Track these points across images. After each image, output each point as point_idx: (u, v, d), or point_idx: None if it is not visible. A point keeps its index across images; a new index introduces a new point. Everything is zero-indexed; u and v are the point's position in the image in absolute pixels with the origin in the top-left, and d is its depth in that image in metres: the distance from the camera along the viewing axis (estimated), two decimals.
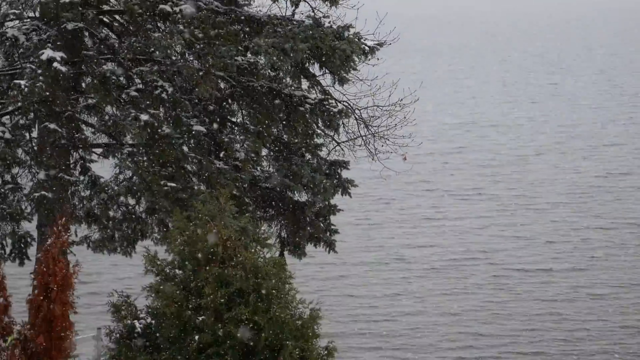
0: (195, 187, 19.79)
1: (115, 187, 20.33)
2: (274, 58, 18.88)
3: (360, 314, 49.32)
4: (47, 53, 18.82)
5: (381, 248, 59.00)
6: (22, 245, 20.94)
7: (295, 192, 21.17)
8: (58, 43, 19.43)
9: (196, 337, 15.40)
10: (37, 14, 20.48)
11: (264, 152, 21.52)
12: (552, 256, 56.94)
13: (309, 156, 21.65)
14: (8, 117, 20.97)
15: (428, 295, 51.78)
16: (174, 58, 19.67)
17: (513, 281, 52.95)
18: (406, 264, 56.75)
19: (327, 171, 21.44)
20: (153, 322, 16.02)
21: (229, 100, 21.25)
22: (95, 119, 21.19)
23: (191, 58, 20.00)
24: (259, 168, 21.43)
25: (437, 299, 51.18)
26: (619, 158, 77.88)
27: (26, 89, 18.61)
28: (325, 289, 50.93)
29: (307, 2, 20.38)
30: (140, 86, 19.76)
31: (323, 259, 53.12)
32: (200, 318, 15.49)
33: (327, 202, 21.49)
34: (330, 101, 21.07)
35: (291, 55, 18.93)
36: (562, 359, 44.82)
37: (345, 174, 22.02)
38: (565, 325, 47.38)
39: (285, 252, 21.96)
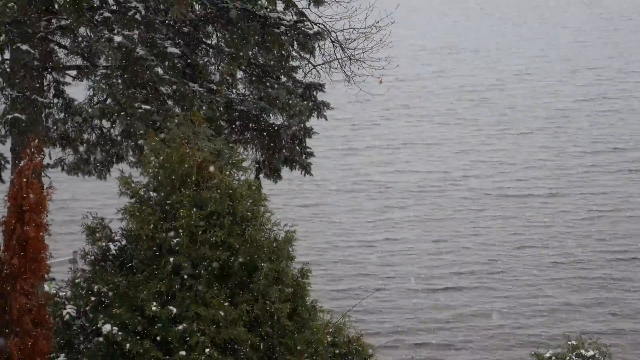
0: (170, 110, 19.70)
1: (90, 110, 20.18)
2: None
3: (336, 240, 49.55)
4: None
5: (358, 174, 59.14)
6: None
7: (271, 114, 21.10)
8: None
9: (171, 259, 15.44)
10: None
11: (239, 74, 21.41)
12: (531, 181, 57.22)
13: (285, 79, 21.55)
14: None
15: (406, 221, 52.07)
16: None
17: (492, 206, 53.29)
18: (384, 189, 56.92)
19: (303, 94, 21.38)
20: (128, 244, 16.04)
21: (204, 22, 21.04)
22: (69, 40, 20.97)
23: None
24: (234, 91, 21.32)
25: (416, 224, 51.46)
26: (597, 82, 77.71)
27: None
28: (303, 215, 51.08)
29: None
30: (114, 7, 19.55)
31: (301, 186, 53.27)
32: (175, 240, 15.51)
33: (302, 125, 21.46)
34: (305, 23, 20.91)
35: None
36: (538, 281, 45.26)
37: (320, 96, 21.97)
38: (543, 251, 47.80)
39: (261, 176, 21.99)
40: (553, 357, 20.24)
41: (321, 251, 46.70)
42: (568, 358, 20.11)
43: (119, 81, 19.59)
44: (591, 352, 20.04)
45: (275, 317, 15.45)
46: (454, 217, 52.23)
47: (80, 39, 20.23)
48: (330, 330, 18.16)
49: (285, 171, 22.68)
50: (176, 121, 16.72)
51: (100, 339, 15.30)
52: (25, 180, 14.61)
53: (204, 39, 21.30)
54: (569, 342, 20.41)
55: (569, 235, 49.26)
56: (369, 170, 59.52)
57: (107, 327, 15.18)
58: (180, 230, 15.50)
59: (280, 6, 20.89)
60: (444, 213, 52.82)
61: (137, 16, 19.16)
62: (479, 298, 42.86)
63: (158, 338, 15.10)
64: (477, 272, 45.56)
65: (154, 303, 15.13)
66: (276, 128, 21.33)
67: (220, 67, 20.36)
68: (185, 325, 15.05)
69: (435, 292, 43.39)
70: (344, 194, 55.91)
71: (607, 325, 39.42)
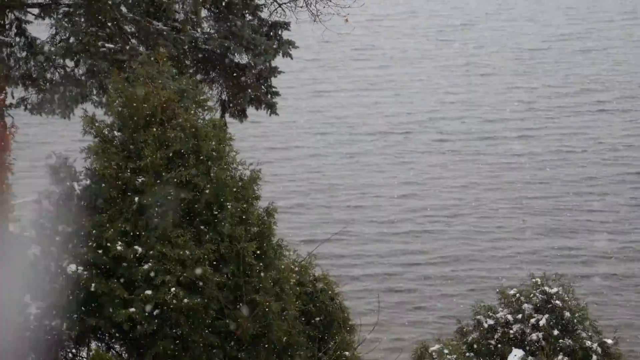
0: (134, 49, 19.49)
1: (52, 49, 19.93)
2: None
3: (302, 183, 49.56)
4: None
5: (324, 115, 59.02)
6: None
7: (236, 53, 20.94)
8: None
9: (136, 199, 15.38)
10: None
11: (204, 13, 21.18)
12: (500, 123, 57.33)
13: (250, 17, 21.36)
14: None
15: (374, 164, 52.12)
16: None
17: (460, 148, 53.44)
18: (349, 127, 56.86)
19: (268, 33, 21.21)
20: (92, 184, 15.94)
21: None
22: None
23: None
24: (198, 29, 21.11)
25: (383, 167, 51.54)
26: (567, 22, 77.54)
27: None
28: (270, 157, 50.99)
29: None
30: None
31: (267, 127, 53.04)
32: (140, 179, 15.44)
33: (267, 64, 21.32)
34: None
35: None
36: (506, 224, 45.61)
37: (286, 35, 21.81)
38: (512, 194, 48.09)
39: (226, 116, 21.89)
40: (517, 294, 20.44)
41: (288, 194, 46.75)
42: (532, 295, 20.32)
43: (82, 19, 19.34)
44: (555, 289, 20.26)
45: (241, 256, 15.46)
46: (421, 160, 52.40)
47: None
48: (296, 269, 18.22)
49: (251, 111, 22.59)
50: (140, 60, 16.57)
51: (65, 278, 15.26)
52: None
53: None
54: (533, 280, 20.62)
55: (537, 178, 49.57)
56: (336, 113, 59.41)
57: (72, 267, 15.13)
58: (145, 170, 15.43)
59: None
60: (412, 155, 52.97)
61: None
62: (447, 242, 43.17)
63: (123, 278, 15.09)
64: (445, 216, 45.83)
65: (119, 243, 15.10)
66: (241, 67, 21.18)
67: (184, 6, 20.13)
68: (150, 264, 15.03)
69: (402, 236, 43.66)
70: (311, 137, 55.87)
71: (572, 269, 39.79)
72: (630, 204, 46.59)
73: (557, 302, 20.05)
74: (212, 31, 21.19)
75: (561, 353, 18.81)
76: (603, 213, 45.41)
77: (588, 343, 19.89)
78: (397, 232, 43.84)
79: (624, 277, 40.74)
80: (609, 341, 20.29)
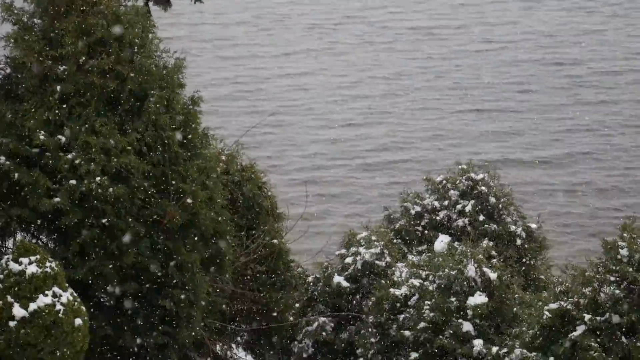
0: None
1: None
2: None
3: (229, 74, 49.12)
4: None
5: (259, 6, 58.28)
6: None
7: None
8: None
9: (58, 88, 15.10)
10: None
11: None
12: None
13: None
14: None
15: (303, 52, 51.77)
16: None
17: (390, 38, 53.29)
18: (282, 22, 56.29)
19: None
20: (13, 72, 15.61)
21: None
22: None
23: None
24: None
25: (314, 58, 51.22)
26: None
27: None
28: (196, 48, 50.35)
29: None
30: None
31: (198, 19, 52.30)
32: (62, 68, 15.15)
33: None
34: None
35: None
36: (435, 105, 45.96)
37: None
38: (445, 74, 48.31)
39: (150, 4, 21.45)
40: (444, 181, 20.65)
41: (213, 85, 46.37)
42: (458, 181, 20.54)
43: None
44: (480, 176, 20.49)
45: (166, 145, 15.34)
46: (353, 51, 52.20)
47: None
48: (223, 158, 18.18)
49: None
50: None
51: None
52: None
53: None
54: (460, 167, 20.82)
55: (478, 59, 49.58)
56: (267, 2, 58.71)
57: None
58: (66, 58, 15.13)
59: None
60: (342, 46, 52.71)
61: None
62: (374, 131, 43.31)
63: (47, 168, 14.90)
64: (376, 106, 45.85)
65: (42, 132, 14.86)
66: None
67: None
68: (75, 154, 14.85)
69: (330, 129, 43.67)
70: (242, 26, 55.24)
71: (501, 153, 40.30)
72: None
73: (483, 188, 20.31)
74: None
75: (486, 238, 19.11)
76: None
77: (512, 228, 20.25)
78: (328, 125, 43.84)
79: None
80: (533, 226, 20.68)
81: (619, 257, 14.48)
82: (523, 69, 50.95)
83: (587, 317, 14.51)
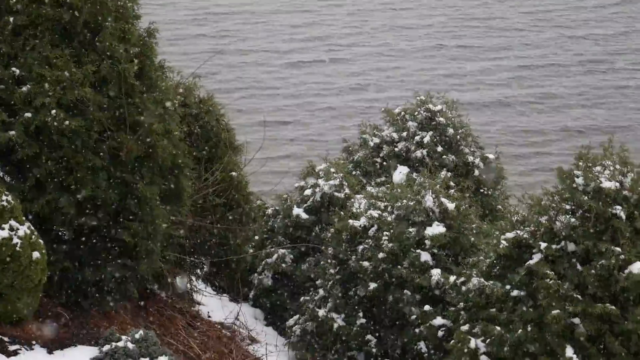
0: None
1: None
2: None
3: (189, 5, 48.63)
4: None
5: None
6: None
7: None
8: None
9: (11, 19, 14.86)
10: None
11: None
12: None
13: None
14: None
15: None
16: None
17: None
18: None
19: None
20: None
21: None
22: None
23: None
24: None
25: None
26: None
27: None
28: None
29: None
30: None
31: None
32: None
33: None
34: None
35: None
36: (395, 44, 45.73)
37: None
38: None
39: None
40: (402, 112, 20.68)
41: (171, 23, 45.94)
42: (417, 112, 20.58)
43: None
44: (439, 107, 20.54)
45: (122, 77, 15.18)
46: None
47: None
48: (181, 91, 18.06)
49: None
50: None
51: None
52: None
53: None
54: (418, 98, 20.85)
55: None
56: None
57: None
58: None
59: None
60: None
61: None
62: (336, 70, 43.18)
63: (1, 101, 14.72)
64: (337, 45, 45.63)
65: None
66: None
67: None
68: (29, 86, 14.67)
69: (292, 67, 43.47)
70: None
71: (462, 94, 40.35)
72: None
73: (441, 119, 20.36)
74: None
75: (444, 169, 19.21)
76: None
77: (470, 158, 20.36)
78: (290, 62, 43.61)
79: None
80: (491, 156, 20.81)
81: (574, 186, 14.62)
82: None
83: (543, 245, 14.67)
